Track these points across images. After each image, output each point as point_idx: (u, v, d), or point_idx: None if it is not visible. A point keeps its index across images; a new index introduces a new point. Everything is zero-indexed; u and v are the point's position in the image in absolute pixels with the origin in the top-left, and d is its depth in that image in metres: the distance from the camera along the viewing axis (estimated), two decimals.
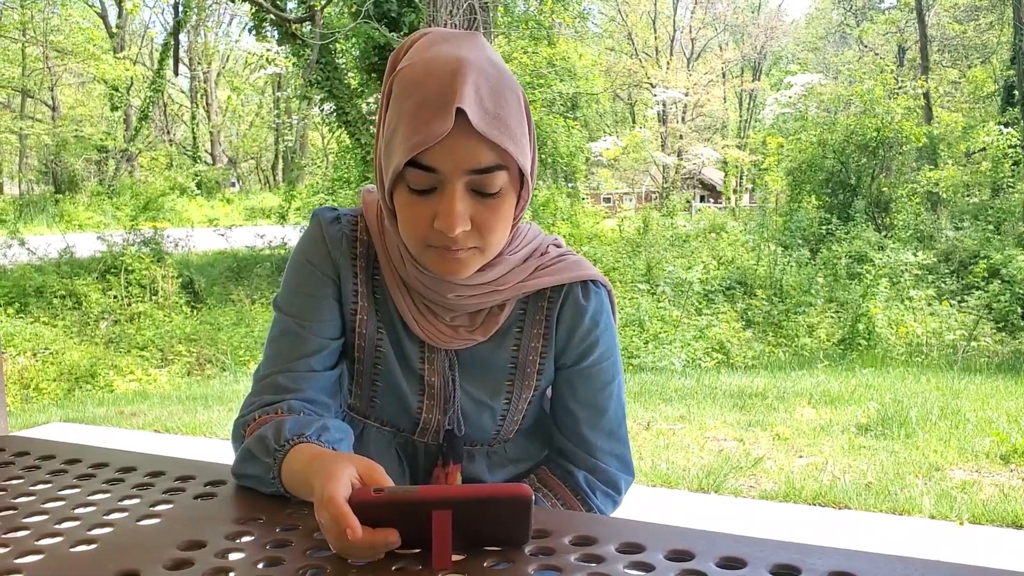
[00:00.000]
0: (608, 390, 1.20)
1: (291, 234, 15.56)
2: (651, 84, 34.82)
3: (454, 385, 1.15)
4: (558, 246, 1.19)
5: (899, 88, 16.42)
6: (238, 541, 0.87)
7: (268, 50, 17.92)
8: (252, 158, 38.90)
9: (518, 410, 1.19)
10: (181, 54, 25.13)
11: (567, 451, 1.23)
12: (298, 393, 1.10)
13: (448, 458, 1.18)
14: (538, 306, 1.16)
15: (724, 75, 39.40)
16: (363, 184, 11.75)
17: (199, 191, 27.24)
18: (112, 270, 11.98)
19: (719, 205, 29.59)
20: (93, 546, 0.86)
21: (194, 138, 32.57)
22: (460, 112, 0.91)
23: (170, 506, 0.96)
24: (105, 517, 0.93)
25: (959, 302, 10.54)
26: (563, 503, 1.20)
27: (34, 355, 9.09)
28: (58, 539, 0.87)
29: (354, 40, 10.99)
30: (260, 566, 0.81)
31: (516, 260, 1.12)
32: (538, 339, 1.16)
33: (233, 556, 0.83)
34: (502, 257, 1.09)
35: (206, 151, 34.02)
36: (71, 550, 0.85)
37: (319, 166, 22.76)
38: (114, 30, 28.46)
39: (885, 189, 14.66)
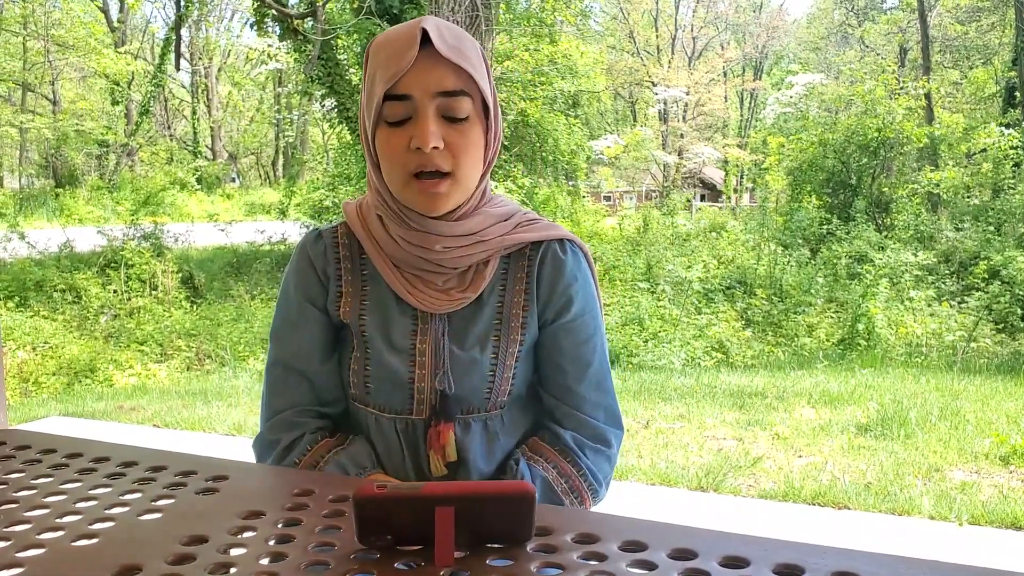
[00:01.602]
0: (592, 343, 1.26)
1: (291, 230, 15.55)
2: (652, 83, 34.79)
3: (444, 350, 1.20)
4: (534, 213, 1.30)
5: (900, 88, 16.39)
6: (240, 536, 0.87)
7: (269, 45, 17.88)
8: (252, 154, 38.86)
9: (507, 367, 1.22)
10: (182, 49, 25.12)
11: (555, 410, 1.27)
12: (310, 424, 1.25)
13: (439, 417, 1.20)
14: (519, 264, 1.24)
15: (725, 74, 39.40)
16: (363, 180, 11.75)
17: (199, 186, 27.25)
18: (112, 264, 11.98)
19: (720, 205, 29.59)
20: (94, 540, 0.85)
21: (195, 133, 32.55)
22: (425, 45, 1.07)
23: (172, 501, 0.96)
24: (106, 511, 0.93)
25: (959, 303, 10.52)
26: (554, 466, 1.22)
27: (33, 349, 9.09)
28: (59, 533, 0.87)
29: (356, 36, 10.97)
30: (263, 561, 0.81)
31: (497, 215, 1.21)
32: (520, 294, 1.23)
33: (235, 551, 0.83)
34: (481, 209, 1.20)
35: (206, 146, 33.99)
36: (72, 544, 0.85)
37: (319, 162, 22.80)
38: (115, 24, 28.44)
39: (886, 189, 14.65)
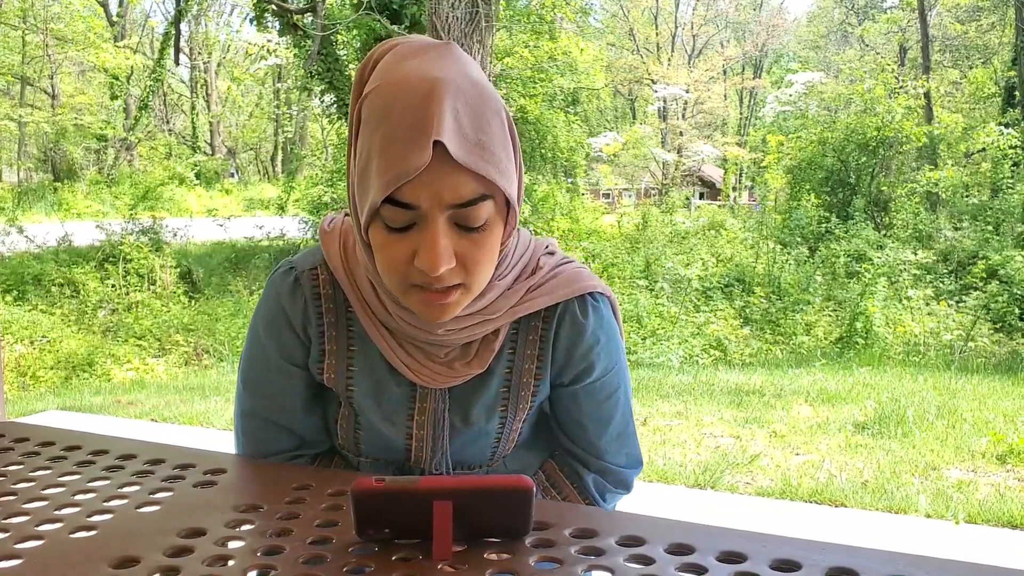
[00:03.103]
0: (614, 398, 1.15)
1: (290, 225, 15.55)
2: (652, 80, 34.78)
3: (444, 424, 1.09)
4: (551, 253, 1.11)
5: (900, 88, 16.40)
6: (238, 529, 0.87)
7: (269, 41, 17.88)
8: (251, 149, 38.86)
9: (513, 430, 1.14)
10: (182, 44, 25.07)
11: (576, 454, 1.19)
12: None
13: None
14: (531, 326, 1.08)
15: (725, 72, 39.40)
16: None
17: (198, 181, 27.23)
18: (110, 259, 11.97)
19: (719, 203, 29.58)
20: (93, 532, 0.85)
21: (193, 128, 32.57)
22: (438, 143, 0.83)
23: (170, 494, 0.96)
24: (105, 504, 0.93)
25: (957, 302, 10.54)
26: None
27: (31, 343, 9.09)
28: (58, 525, 0.87)
29: (355, 32, 10.96)
30: (260, 554, 0.81)
31: (506, 284, 1.04)
32: (532, 360, 1.09)
33: (233, 544, 0.83)
34: (491, 283, 1.01)
35: (205, 141, 34.00)
36: (71, 536, 0.85)
37: (318, 157, 22.77)
38: (115, 19, 28.44)
39: (885, 188, 14.67)
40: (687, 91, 33.49)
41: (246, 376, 1.14)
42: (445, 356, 1.04)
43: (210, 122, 34.25)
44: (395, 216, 0.88)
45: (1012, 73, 17.17)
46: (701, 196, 33.12)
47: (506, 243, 0.99)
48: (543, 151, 16.10)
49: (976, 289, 10.74)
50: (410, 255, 0.89)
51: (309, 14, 10.91)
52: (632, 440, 1.20)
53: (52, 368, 8.68)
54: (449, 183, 0.86)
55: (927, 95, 17.79)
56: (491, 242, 0.93)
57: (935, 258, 12.08)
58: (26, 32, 24.26)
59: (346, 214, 1.09)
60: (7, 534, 0.85)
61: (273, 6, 11.13)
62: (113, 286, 11.44)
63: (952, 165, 15.22)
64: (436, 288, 0.91)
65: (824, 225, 14.06)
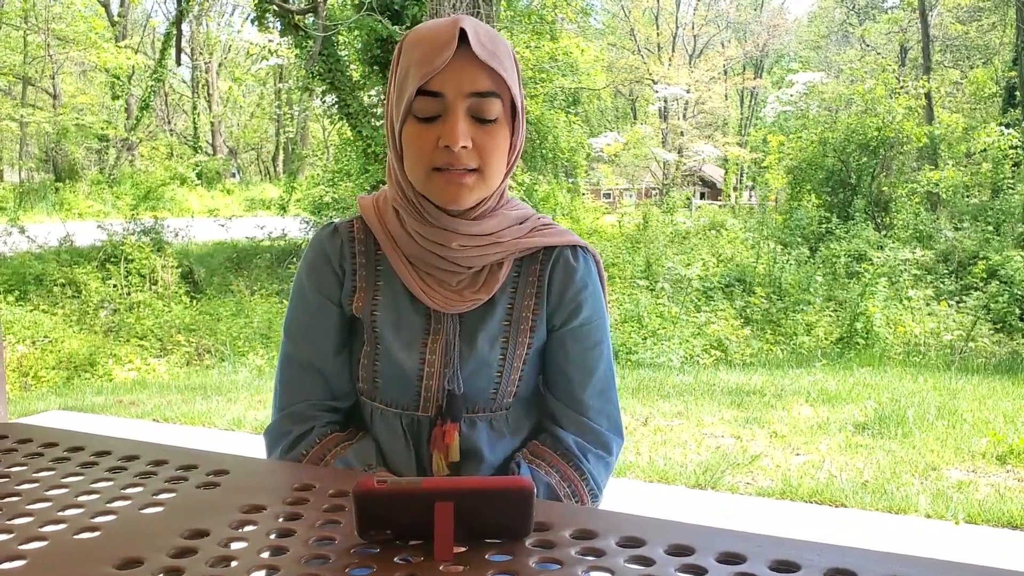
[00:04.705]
0: (598, 350, 1.28)
1: (291, 225, 15.55)
2: (653, 80, 34.75)
3: (455, 350, 1.22)
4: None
5: (901, 88, 16.40)
6: (241, 530, 0.87)
7: (270, 41, 17.90)
8: (253, 149, 38.84)
9: (514, 368, 1.24)
10: (183, 44, 25.08)
11: (559, 414, 1.28)
12: (322, 418, 1.27)
13: (446, 417, 1.22)
14: (531, 268, 1.25)
15: (726, 72, 39.35)
16: (363, 176, 11.76)
17: (199, 181, 27.23)
18: (112, 259, 11.96)
19: (720, 203, 29.57)
20: (96, 533, 0.86)
21: (195, 128, 32.53)
22: (461, 44, 1.08)
23: (173, 495, 0.97)
24: (108, 505, 0.93)
25: (957, 302, 10.53)
26: (557, 471, 1.23)
27: (33, 343, 9.09)
28: (62, 526, 0.88)
29: (357, 32, 10.96)
30: (264, 555, 0.81)
31: (513, 217, 1.23)
32: (531, 297, 1.25)
33: (236, 545, 0.83)
34: (499, 211, 1.22)
35: (207, 141, 33.96)
36: (74, 537, 0.85)
37: (320, 158, 22.81)
38: (116, 19, 28.41)
39: (885, 188, 14.66)
40: (688, 91, 33.46)
41: (288, 326, 1.30)
42: (456, 284, 1.21)
43: (211, 122, 34.22)
44: (424, 106, 1.11)
45: (1013, 73, 17.18)
46: (702, 196, 33.11)
47: (512, 161, 1.19)
48: (544, 151, 16.11)
49: (976, 289, 10.73)
50: (435, 140, 1.11)
51: (310, 15, 10.91)
52: (613, 405, 1.30)
53: (54, 368, 8.68)
54: (469, 74, 1.10)
55: (928, 95, 17.79)
56: (500, 137, 1.14)
57: (935, 258, 12.07)
58: (28, 32, 24.24)
59: (372, 187, 1.23)
60: (11, 535, 0.85)
61: (274, 7, 11.13)
62: (115, 286, 11.44)
63: (952, 165, 15.21)
64: (455, 168, 1.11)
65: (824, 225, 14.06)
